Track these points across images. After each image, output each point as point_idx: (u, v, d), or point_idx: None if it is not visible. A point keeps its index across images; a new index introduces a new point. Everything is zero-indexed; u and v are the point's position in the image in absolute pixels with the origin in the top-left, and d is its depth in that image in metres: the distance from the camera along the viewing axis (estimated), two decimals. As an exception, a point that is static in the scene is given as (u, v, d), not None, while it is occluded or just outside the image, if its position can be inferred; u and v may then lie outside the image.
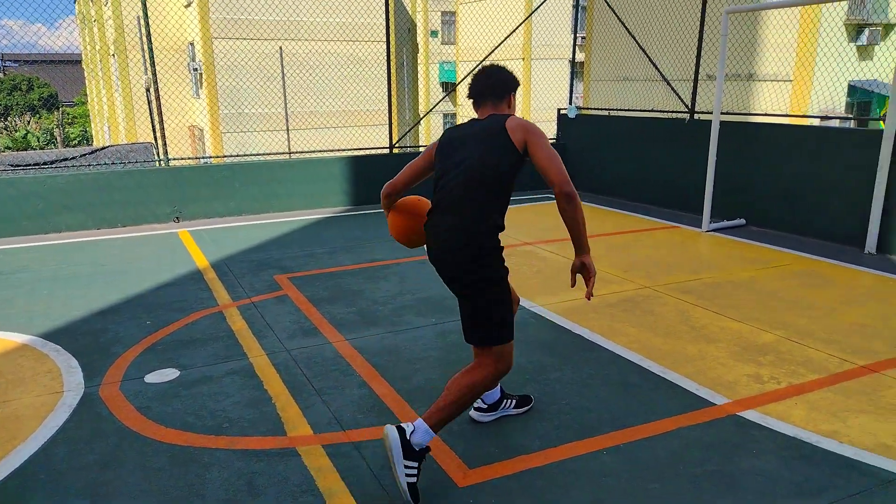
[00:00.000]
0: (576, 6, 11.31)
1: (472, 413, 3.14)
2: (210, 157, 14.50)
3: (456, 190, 2.73)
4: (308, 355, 3.92)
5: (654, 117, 8.61)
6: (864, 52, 16.22)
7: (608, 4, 9.51)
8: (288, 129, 18.01)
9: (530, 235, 6.79)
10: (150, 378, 3.63)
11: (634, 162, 8.61)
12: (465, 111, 26.28)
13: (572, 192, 2.61)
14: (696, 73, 7.94)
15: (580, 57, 16.97)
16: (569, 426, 3.09)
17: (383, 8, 8.68)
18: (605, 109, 9.90)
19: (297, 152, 9.10)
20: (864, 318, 4.39)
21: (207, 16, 18.81)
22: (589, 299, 2.73)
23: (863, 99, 16.44)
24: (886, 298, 4.82)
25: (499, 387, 3.12)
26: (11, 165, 9.36)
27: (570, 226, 2.69)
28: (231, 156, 10.12)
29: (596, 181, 9.22)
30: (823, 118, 9.83)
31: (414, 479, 2.50)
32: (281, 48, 18.51)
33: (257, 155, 9.06)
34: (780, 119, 8.81)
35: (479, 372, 2.65)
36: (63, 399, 3.40)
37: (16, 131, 40.55)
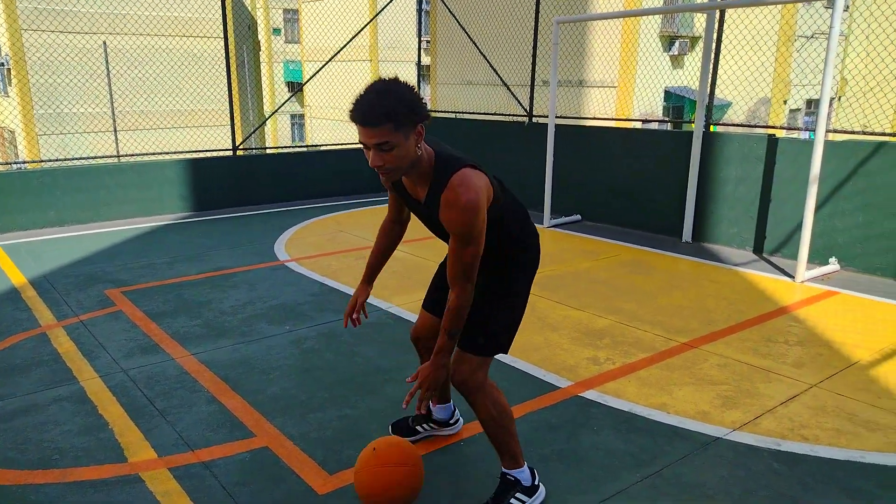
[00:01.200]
0: (419, 10, 11.50)
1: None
2: (24, 162, 13.00)
3: None
4: (148, 374, 3.65)
5: (496, 120, 9.01)
6: (677, 62, 18.12)
7: (449, 10, 9.81)
8: (115, 130, 16.59)
9: (383, 237, 6.82)
10: (-42, 414, 3.19)
11: (480, 163, 8.93)
12: (314, 111, 25.80)
13: None
14: (533, 78, 8.41)
15: (426, 60, 17.36)
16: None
17: (219, 2, 8.28)
18: (452, 112, 10.19)
19: (127, 155, 8.40)
20: (682, 301, 4.91)
21: (14, 4, 16.81)
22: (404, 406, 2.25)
23: (677, 103, 18.37)
24: (700, 282, 5.42)
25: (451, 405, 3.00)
26: None
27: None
28: (50, 160, 9.13)
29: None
30: (645, 121, 10.84)
31: None
32: (105, 42, 17.01)
33: (81, 159, 8.25)
34: (608, 122, 9.59)
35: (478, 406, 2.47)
36: None
37: None
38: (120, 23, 17.82)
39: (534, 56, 8.36)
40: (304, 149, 13.13)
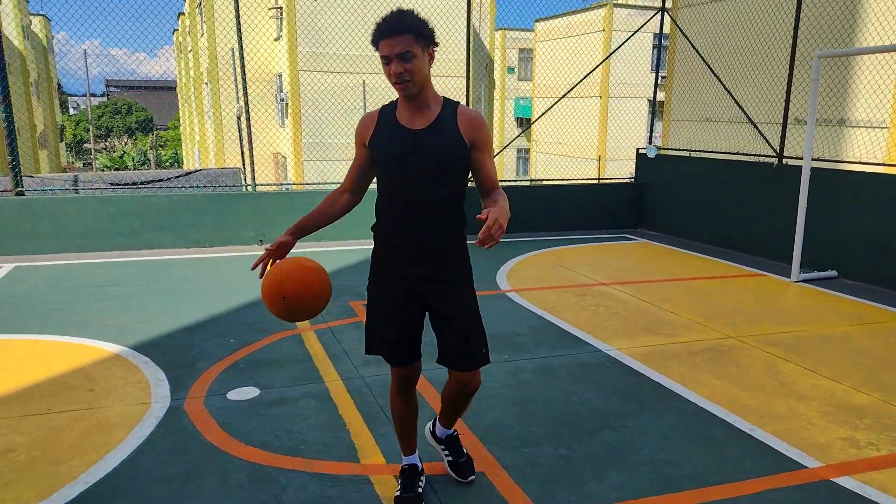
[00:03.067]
0: (657, 46, 11.20)
1: (426, 429, 3.01)
2: (292, 184, 15.04)
3: None
4: (382, 383, 3.95)
5: (738, 160, 8.37)
6: (970, 100, 15.29)
7: (691, 44, 9.40)
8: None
9: (606, 276, 6.68)
10: (232, 395, 3.75)
11: (716, 205, 8.37)
12: (540, 146, 26.33)
13: None
14: (786, 116, 7.69)
15: (661, 96, 16.79)
16: (648, 478, 2.98)
17: (464, 45, 8.87)
18: (686, 150, 9.70)
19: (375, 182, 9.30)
20: (973, 385, 4.07)
21: (296, 49, 19.71)
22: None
23: (967, 148, 15.47)
24: None
25: (453, 431, 2.94)
26: (111, 184, 10.00)
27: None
28: (312, 183, 10.48)
29: (675, 222, 9.01)
30: (924, 167, 9.27)
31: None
32: (364, 82, 19.13)
33: (336, 183, 9.31)
34: (876, 167, 8.39)
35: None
36: (150, 410, 3.55)
37: (114, 151, 43.34)
38: (378, 63, 19.96)
39: (788, 92, 7.65)
40: (528, 182, 13.40)
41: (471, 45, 8.98)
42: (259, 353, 4.40)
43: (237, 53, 8.41)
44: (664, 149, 10.21)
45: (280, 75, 21.30)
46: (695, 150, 9.48)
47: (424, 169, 2.40)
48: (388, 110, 2.47)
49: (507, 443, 3.28)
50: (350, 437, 3.31)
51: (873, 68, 13.12)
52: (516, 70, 32.26)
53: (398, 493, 2.71)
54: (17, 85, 28.06)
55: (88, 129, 42.64)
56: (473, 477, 2.90)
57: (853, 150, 13.49)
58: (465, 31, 8.90)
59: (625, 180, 9.98)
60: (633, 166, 9.81)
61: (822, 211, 6.82)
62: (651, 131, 10.11)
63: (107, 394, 3.74)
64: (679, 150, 10.04)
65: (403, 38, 2.26)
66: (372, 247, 2.72)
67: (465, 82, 9.05)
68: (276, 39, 21.11)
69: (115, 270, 6.61)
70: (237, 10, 8.17)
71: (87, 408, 3.55)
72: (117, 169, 35.13)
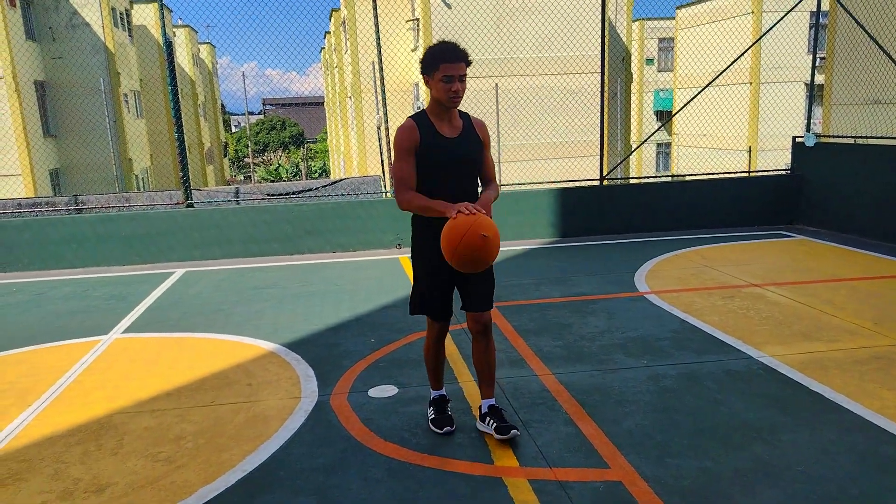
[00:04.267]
0: (814, 25, 10.23)
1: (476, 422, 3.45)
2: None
3: None
4: (515, 386, 3.96)
5: (916, 145, 7.44)
6: None
7: (855, 19, 8.48)
8: (499, 162, 18.62)
9: (758, 276, 6.21)
10: (373, 392, 3.93)
11: (886, 196, 7.49)
12: (682, 139, 25.01)
13: (396, 199, 3.13)
14: (976, 92, 6.72)
15: (819, 79, 15.34)
16: (804, 497, 2.73)
17: (598, 39, 8.64)
18: (851, 137, 8.78)
19: (506, 184, 9.35)
20: None
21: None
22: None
23: None
24: None
25: (492, 400, 3.38)
26: (267, 194, 10.86)
27: (418, 213, 3.16)
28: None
29: (837, 217, 8.18)
30: None
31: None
32: (497, 85, 19.26)
33: (472, 186, 9.45)
34: None
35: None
36: (300, 404, 3.81)
37: (270, 164, 47.08)
38: (510, 65, 20.02)
39: (979, 66, 6.67)
40: (669, 178, 12.79)
41: (606, 39, 8.74)
42: (398, 353, 4.57)
43: (377, 67, 8.80)
44: (824, 136, 9.31)
45: (417, 84, 22.01)
46: (860, 137, 8.55)
47: (460, 167, 3.16)
48: (422, 122, 3.12)
49: (648, 452, 3.15)
50: (483, 438, 3.34)
51: None
52: (655, 61, 30.91)
53: (434, 416, 3.41)
54: (187, 107, 31.35)
55: (248, 145, 46.67)
56: (516, 431, 3.24)
57: None
58: (599, 24, 8.67)
59: (779, 172, 9.21)
60: (789, 157, 9.03)
61: None
62: (809, 118, 9.26)
63: (263, 388, 4.07)
64: (842, 136, 9.10)
65: (463, 65, 3.02)
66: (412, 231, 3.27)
67: (599, 78, 8.83)
68: (413, 50, 21.84)
69: (270, 274, 7.17)
70: (376, 25, 8.57)
71: (246, 401, 3.89)
72: (273, 180, 38.13)
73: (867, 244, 7.48)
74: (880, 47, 8.08)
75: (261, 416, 3.69)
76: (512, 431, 3.22)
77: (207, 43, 39.68)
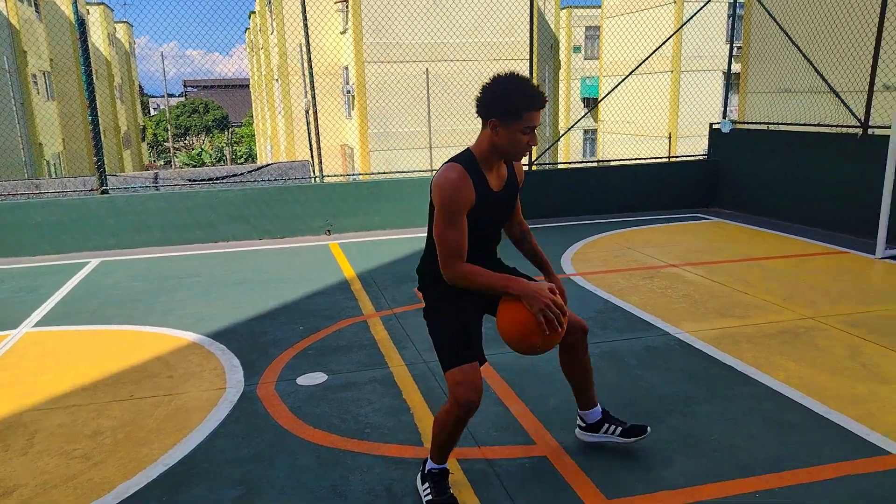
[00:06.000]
0: (731, 15, 10.68)
1: (576, 431, 3.06)
2: (358, 174, 15.32)
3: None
4: (445, 369, 3.99)
5: (819, 132, 7.90)
6: None
7: (768, 12, 8.90)
8: (431, 147, 18.61)
9: (676, 257, 6.48)
10: (302, 380, 3.88)
11: (796, 180, 7.95)
12: (608, 126, 25.69)
13: (448, 270, 2.46)
14: (871, 83, 7.19)
15: (735, 68, 16.03)
16: (718, 464, 2.89)
17: (527, 26, 8.74)
18: (764, 123, 9.24)
19: (436, 170, 9.35)
20: None
21: (361, 41, 19.96)
22: (550, 331, 2.39)
23: None
24: None
25: (599, 407, 2.98)
26: (189, 180, 10.47)
27: (474, 290, 2.52)
28: (378, 173, 10.64)
29: (751, 200, 8.62)
30: None
31: (430, 498, 2.61)
32: (427, 70, 19.19)
33: (402, 172, 9.44)
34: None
35: (444, 405, 2.55)
36: (225, 395, 3.72)
37: (192, 149, 45.37)
38: (440, 50, 19.97)
39: (875, 56, 7.14)
40: (595, 164, 13.12)
41: (534, 26, 8.84)
42: (327, 340, 4.53)
43: (304, 49, 8.60)
44: (740, 123, 9.76)
45: (346, 68, 21.66)
46: (773, 123, 9.01)
47: (500, 224, 2.72)
48: (473, 172, 2.46)
49: (572, 427, 3.23)
50: (414, 421, 3.36)
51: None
52: (582, 49, 31.51)
53: (432, 498, 2.61)
54: (102, 89, 29.73)
55: (168, 129, 44.78)
56: (649, 429, 2.95)
57: (952, 116, 12.44)
58: (528, 12, 8.76)
59: (697, 158, 9.61)
60: (706, 143, 9.43)
61: (913, 182, 6.35)
62: (725, 105, 9.68)
63: (185, 380, 3.94)
64: (756, 123, 9.57)
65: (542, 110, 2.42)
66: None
67: (527, 65, 8.93)
68: (342, 32, 21.45)
69: (193, 262, 6.93)
70: (303, 5, 8.35)
71: (167, 394, 3.76)
72: (195, 166, 36.78)
73: (778, 225, 7.92)
74: (790, 39, 8.52)
75: (183, 408, 3.58)
76: (648, 429, 2.96)
77: (124, 22, 37.72)
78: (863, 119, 7.22)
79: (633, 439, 2.94)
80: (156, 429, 3.35)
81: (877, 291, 5.31)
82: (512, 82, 2.35)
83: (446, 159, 2.57)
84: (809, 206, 7.76)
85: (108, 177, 8.18)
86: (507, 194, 2.60)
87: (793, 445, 3.01)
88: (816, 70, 8.14)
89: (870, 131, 7.17)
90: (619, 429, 2.96)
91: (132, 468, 2.99)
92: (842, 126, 7.75)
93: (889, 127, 6.34)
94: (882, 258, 6.22)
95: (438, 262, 2.48)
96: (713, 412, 3.35)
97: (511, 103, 2.33)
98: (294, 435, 3.26)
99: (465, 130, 19.69)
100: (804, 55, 8.33)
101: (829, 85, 8.02)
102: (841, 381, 3.64)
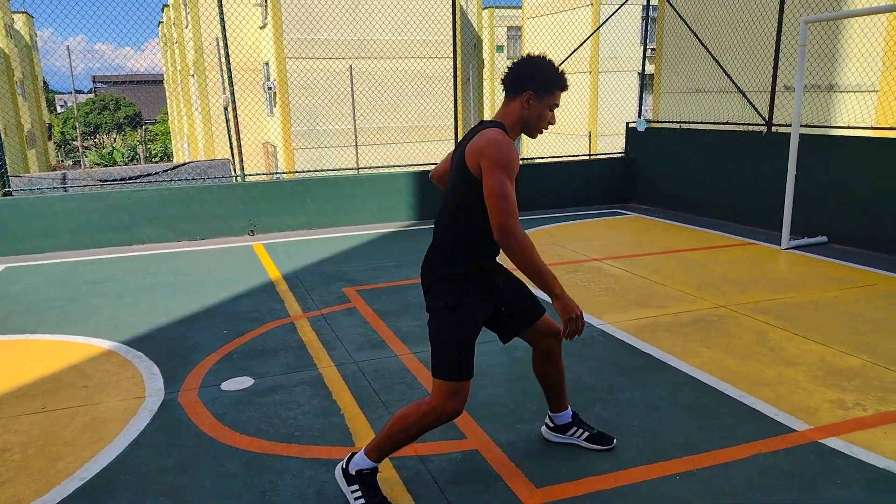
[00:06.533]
0: (645, 18, 11.12)
1: (542, 429, 3.11)
2: (283, 173, 14.99)
3: (439, 220, 2.65)
4: (375, 368, 3.97)
5: (728, 130, 8.35)
6: (959, 60, 15.22)
7: (679, 15, 9.33)
8: (357, 145, 18.44)
9: (598, 251, 6.69)
10: (227, 385, 3.77)
11: (707, 176, 8.37)
12: (531, 125, 26.16)
13: (508, 230, 2.34)
14: (774, 84, 7.66)
15: (650, 69, 16.71)
16: (640, 449, 3.01)
17: (450, 25, 8.80)
18: (676, 122, 9.67)
19: (365, 168, 9.29)
20: (962, 344, 4.10)
21: (281, 37, 19.53)
22: (569, 338, 2.49)
23: (958, 109, 15.41)
24: None
25: (570, 410, 3.04)
26: (100, 180, 9.94)
27: (520, 267, 2.41)
28: (303, 171, 10.45)
29: (666, 196, 9.01)
30: (913, 130, 9.26)
31: (363, 502, 2.55)
32: (351, 67, 18.99)
33: (327, 170, 9.31)
34: (866, 132, 8.37)
35: (419, 405, 2.53)
36: (145, 404, 3.56)
37: (103, 148, 43.13)
38: (364, 47, 19.81)
39: (776, 59, 7.61)
40: (521, 162, 13.36)
41: (457, 25, 8.90)
42: (253, 343, 4.41)
43: (221, 43, 8.33)
44: (654, 122, 10.18)
45: (267, 63, 21.14)
46: (685, 122, 9.45)
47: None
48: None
49: (502, 420, 3.30)
50: (345, 422, 3.33)
51: (861, 32, 13.05)
52: (505, 49, 32.00)
53: (373, 502, 2.57)
54: (1, 85, 27.83)
55: (76, 127, 42.37)
56: (614, 440, 3.00)
57: (842, 115, 13.47)
58: (450, 10, 8.82)
59: (615, 155, 9.96)
60: (624, 141, 9.78)
61: (811, 177, 6.82)
62: (640, 105, 10.07)
63: (101, 390, 3.75)
64: (669, 122, 10.01)
65: (505, 99, 2.52)
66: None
67: (451, 63, 8.99)
68: (261, 27, 20.91)
69: (106, 266, 6.60)
70: (219, -1, 8.07)
71: (82, 404, 3.57)
72: (107, 165, 34.97)
73: (691, 219, 8.32)
74: (700, 41, 8.95)
75: (100, 419, 3.40)
76: (614, 441, 3.00)
77: (23, 12, 35.36)
78: (767, 118, 7.68)
79: (598, 447, 2.97)
80: (71, 441, 3.17)
81: (782, 280, 5.67)
82: (548, 61, 2.51)
83: (483, 123, 2.52)
84: (719, 200, 8.19)
85: (10, 178, 7.67)
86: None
87: (709, 428, 3.17)
88: (724, 71, 8.59)
89: (774, 129, 7.64)
90: (587, 433, 3.00)
91: (45, 484, 2.82)
92: (748, 124, 8.21)
93: (790, 125, 6.78)
94: (787, 248, 6.64)
95: (492, 225, 2.35)
96: (634, 399, 3.49)
97: (549, 78, 2.46)
98: (219, 442, 3.16)
99: (392, 128, 19.66)
100: (713, 57, 8.78)
101: (736, 85, 8.48)
102: (751, 365, 3.87)
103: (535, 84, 2.45)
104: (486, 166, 2.36)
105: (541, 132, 2.56)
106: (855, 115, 13.11)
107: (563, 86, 2.50)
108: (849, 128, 7.63)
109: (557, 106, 2.52)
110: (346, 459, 2.66)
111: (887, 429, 3.11)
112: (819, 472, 2.78)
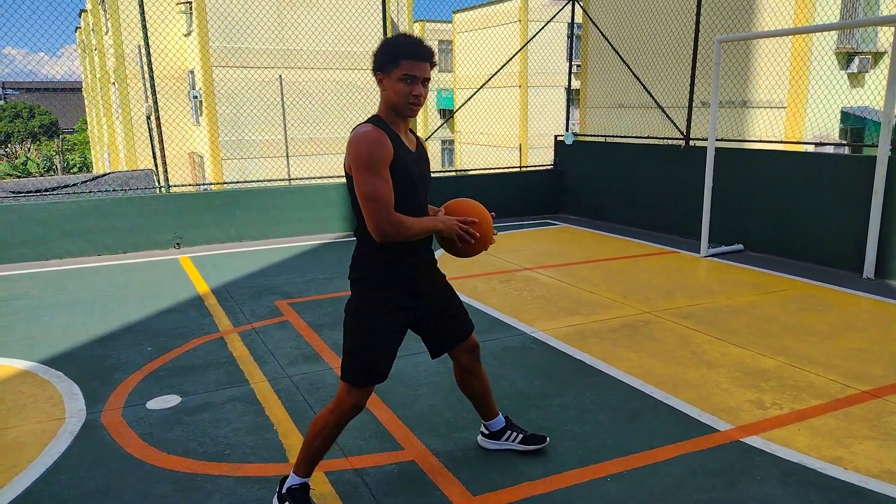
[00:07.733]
0: (570, 35, 11.49)
1: (478, 437, 3.14)
2: (210, 184, 14.58)
3: (358, 220, 2.60)
4: (310, 381, 3.91)
5: (650, 143, 8.72)
6: (856, 80, 16.47)
7: (602, 34, 9.69)
8: (288, 156, 18.14)
9: (529, 261, 6.83)
10: (152, 404, 3.62)
11: (631, 188, 8.69)
12: (464, 137, 26.50)
13: (383, 231, 2.38)
14: (691, 100, 8.06)
15: (576, 84, 17.24)
16: (572, 452, 3.09)
17: (381, 38, 8.82)
18: (602, 136, 10.02)
19: (296, 179, 9.16)
20: (863, 343, 4.41)
21: (207, 45, 19.05)
22: (475, 244, 2.62)
23: (856, 125, 16.64)
24: (885, 324, 4.84)
25: (501, 416, 3.08)
26: (12, 192, 9.38)
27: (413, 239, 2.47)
28: (231, 182, 10.20)
29: (593, 207, 9.29)
30: (818, 144, 9.95)
31: None
32: (280, 76, 18.72)
33: (257, 181, 9.12)
34: (776, 146, 8.92)
35: (326, 407, 2.59)
36: (65, 426, 3.38)
37: (16, 158, 40.74)
38: (293, 57, 19.56)
39: (692, 76, 8.01)
40: (453, 173, 13.49)
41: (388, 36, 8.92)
42: (180, 360, 4.26)
43: (143, 51, 8.05)
44: (581, 135, 10.50)
45: (192, 72, 20.55)
46: (609, 136, 9.79)
47: (426, 187, 2.61)
48: (387, 130, 2.42)
49: (438, 430, 3.32)
50: (278, 438, 3.26)
51: (771, 52, 13.93)
52: (437, 62, 32.30)
53: None
54: None
55: (-16, 135, 39.87)
56: (547, 439, 3.05)
57: (755, 130, 14.30)
58: (381, 23, 8.85)
59: (544, 167, 10.20)
60: (552, 154, 10.04)
61: (727, 188, 7.20)
62: (568, 118, 10.37)
63: (15, 412, 3.54)
64: (595, 136, 10.35)
65: (428, 66, 2.42)
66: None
67: (383, 75, 9.00)
68: (186, 35, 20.32)
69: (20, 283, 6.23)
70: (142, 5, 7.81)
71: (-7, 429, 3.35)
72: (20, 176, 33.01)
73: (616, 229, 8.61)
74: (620, 58, 9.32)
75: (14, 444, 3.21)
76: (546, 440, 3.04)
77: (-77, 12, 33.05)
78: (685, 132, 8.06)
79: (532, 447, 3.03)
80: (-21, 471, 2.97)
81: (703, 286, 5.95)
82: (390, 37, 2.45)
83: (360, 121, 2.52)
84: (642, 210, 8.52)
85: None
86: (422, 161, 2.58)
87: (637, 430, 3.29)
88: (645, 88, 8.97)
89: (691, 143, 8.03)
90: (520, 436, 3.04)
91: (-50, 518, 2.63)
92: (668, 138, 8.60)
93: (707, 139, 7.14)
94: (706, 256, 6.98)
95: (369, 230, 2.39)
96: (566, 404, 3.58)
97: (387, 52, 2.39)
98: (145, 462, 3.04)
99: (323, 139, 19.45)
100: (633, 74, 9.16)
101: (655, 101, 8.87)
102: (675, 369, 4.04)
103: (379, 63, 2.42)
104: (353, 170, 2.38)
105: (412, 109, 2.42)
106: (766, 129, 13.95)
107: (406, 53, 2.36)
108: (761, 141, 8.11)
109: (418, 78, 2.37)
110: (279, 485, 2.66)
111: (801, 425, 3.31)
112: (740, 470, 2.93)
